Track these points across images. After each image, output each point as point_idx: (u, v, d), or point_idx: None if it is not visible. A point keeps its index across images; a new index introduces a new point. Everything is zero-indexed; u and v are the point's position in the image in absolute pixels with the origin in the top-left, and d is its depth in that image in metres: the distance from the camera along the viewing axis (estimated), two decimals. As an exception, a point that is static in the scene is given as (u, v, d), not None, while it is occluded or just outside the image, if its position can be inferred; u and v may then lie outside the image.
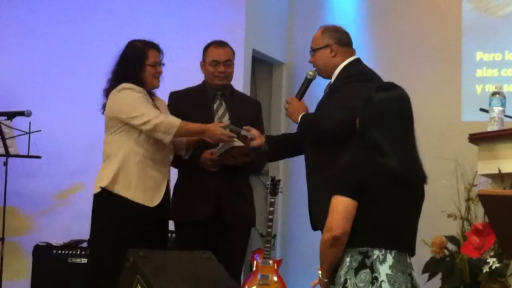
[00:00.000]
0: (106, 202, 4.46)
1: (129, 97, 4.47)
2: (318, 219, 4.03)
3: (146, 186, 4.45)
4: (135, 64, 4.52)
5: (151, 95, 4.65)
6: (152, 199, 4.46)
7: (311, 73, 4.43)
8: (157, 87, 4.63)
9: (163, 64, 4.62)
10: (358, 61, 4.31)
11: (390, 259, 3.20)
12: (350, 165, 3.26)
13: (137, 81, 4.52)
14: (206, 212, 4.72)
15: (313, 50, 4.33)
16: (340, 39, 4.31)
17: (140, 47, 4.56)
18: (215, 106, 4.87)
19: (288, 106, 4.40)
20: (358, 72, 4.26)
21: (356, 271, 3.18)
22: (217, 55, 4.85)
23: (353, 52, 4.34)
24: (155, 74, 4.56)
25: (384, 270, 3.18)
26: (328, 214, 3.20)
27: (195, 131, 4.55)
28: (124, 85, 4.49)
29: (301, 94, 4.43)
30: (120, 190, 4.43)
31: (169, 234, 4.86)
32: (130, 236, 4.36)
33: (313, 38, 4.37)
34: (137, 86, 4.50)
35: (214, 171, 4.71)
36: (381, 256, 3.19)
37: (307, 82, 4.44)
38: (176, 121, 4.45)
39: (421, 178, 3.30)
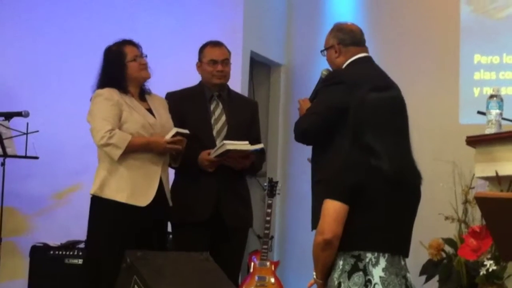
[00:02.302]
0: (97, 207, 4.47)
1: (93, 106, 4.48)
2: (315, 219, 4.05)
3: (135, 186, 4.42)
4: (117, 65, 4.51)
5: (146, 94, 4.63)
6: (143, 199, 4.42)
7: (324, 72, 4.43)
8: (148, 77, 4.59)
9: (146, 55, 4.59)
10: (355, 61, 4.31)
11: (383, 262, 3.19)
12: (342, 168, 3.25)
13: (123, 82, 4.50)
14: (206, 214, 4.71)
15: (325, 50, 4.37)
16: (343, 39, 4.32)
17: (115, 49, 4.56)
18: (212, 107, 4.87)
19: (299, 107, 4.42)
20: (334, 75, 4.28)
21: (349, 274, 3.18)
22: (214, 54, 4.87)
23: (358, 50, 4.33)
24: (140, 66, 4.54)
25: (377, 272, 3.17)
26: (320, 217, 3.21)
27: (142, 145, 4.45)
28: (96, 91, 4.51)
29: (314, 94, 4.42)
30: (110, 193, 4.42)
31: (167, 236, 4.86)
32: (124, 238, 4.35)
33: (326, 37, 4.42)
34: (120, 89, 4.48)
35: (213, 172, 4.71)
36: (373, 259, 3.18)
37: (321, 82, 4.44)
38: (122, 142, 4.37)
39: (416, 178, 3.29)
